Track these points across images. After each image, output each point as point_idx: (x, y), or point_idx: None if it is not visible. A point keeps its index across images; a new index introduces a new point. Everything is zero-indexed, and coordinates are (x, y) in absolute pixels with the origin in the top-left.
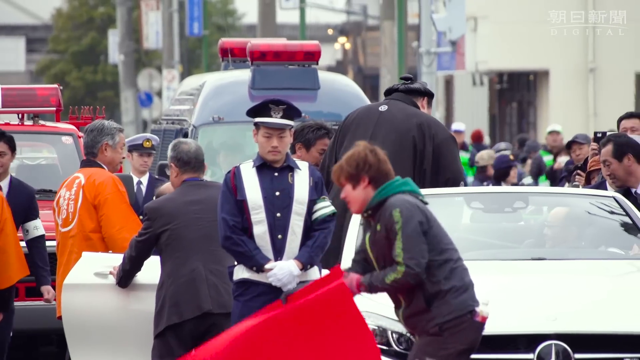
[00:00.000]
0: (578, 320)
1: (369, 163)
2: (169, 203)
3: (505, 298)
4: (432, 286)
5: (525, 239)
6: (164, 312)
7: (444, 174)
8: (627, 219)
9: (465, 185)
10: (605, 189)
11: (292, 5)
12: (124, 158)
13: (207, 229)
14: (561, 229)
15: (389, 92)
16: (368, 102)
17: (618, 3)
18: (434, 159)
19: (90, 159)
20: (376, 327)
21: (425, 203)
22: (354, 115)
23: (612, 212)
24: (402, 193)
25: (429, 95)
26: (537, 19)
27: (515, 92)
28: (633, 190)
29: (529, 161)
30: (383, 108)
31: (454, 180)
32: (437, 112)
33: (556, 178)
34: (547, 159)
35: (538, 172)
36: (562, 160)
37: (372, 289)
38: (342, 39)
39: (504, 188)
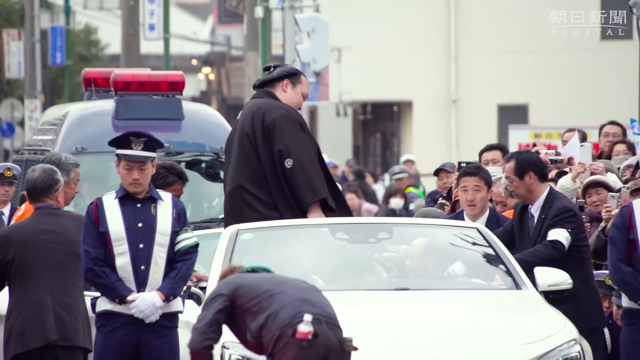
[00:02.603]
0: (440, 350)
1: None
2: (21, 231)
3: (368, 328)
4: (255, 322)
5: (390, 270)
6: (11, 343)
7: (275, 148)
8: (489, 250)
9: (292, 163)
10: (463, 219)
11: (156, 35)
12: (76, 193)
13: (59, 259)
14: (422, 259)
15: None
16: None
17: (480, 33)
18: (267, 141)
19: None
20: (240, 357)
21: (255, 271)
22: (228, 136)
23: (474, 244)
24: None
25: (288, 75)
26: (401, 50)
27: (379, 123)
28: (529, 207)
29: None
30: (239, 116)
31: (284, 152)
32: None
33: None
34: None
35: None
36: (397, 202)
37: None
38: (206, 70)
39: (368, 219)
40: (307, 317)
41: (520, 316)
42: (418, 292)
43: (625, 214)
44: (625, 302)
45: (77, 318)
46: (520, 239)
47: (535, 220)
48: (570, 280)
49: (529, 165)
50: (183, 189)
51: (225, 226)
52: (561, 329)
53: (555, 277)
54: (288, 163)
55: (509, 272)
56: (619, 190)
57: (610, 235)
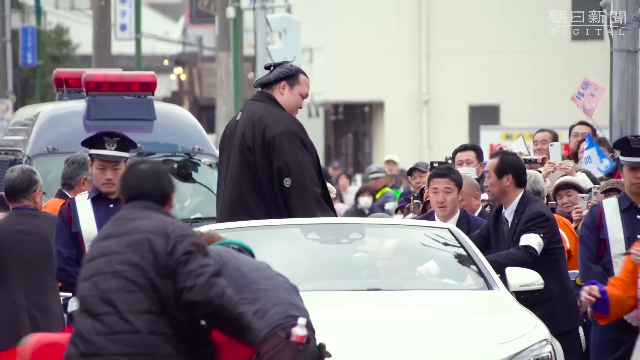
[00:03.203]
0: (412, 350)
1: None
2: None
3: (340, 328)
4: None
5: (362, 270)
6: None
7: (274, 165)
8: (461, 251)
9: (290, 183)
10: (434, 219)
11: (128, 35)
12: None
13: (34, 260)
14: (393, 261)
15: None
16: (204, 132)
17: (452, 33)
18: (266, 156)
19: (63, 191)
20: None
21: (240, 250)
22: (224, 132)
23: (446, 244)
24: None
25: (285, 77)
26: (373, 50)
27: (351, 123)
28: (503, 210)
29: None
30: (238, 117)
31: (284, 170)
32: None
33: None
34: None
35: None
36: (365, 200)
37: None
38: (178, 70)
39: (340, 219)
40: (302, 321)
41: (491, 316)
42: (390, 293)
43: (595, 214)
44: None
45: (51, 319)
46: (496, 242)
47: (509, 225)
48: (541, 281)
49: (510, 167)
50: None
51: None
52: (532, 329)
53: (526, 278)
54: (287, 182)
55: (480, 273)
56: (589, 191)
57: (580, 235)
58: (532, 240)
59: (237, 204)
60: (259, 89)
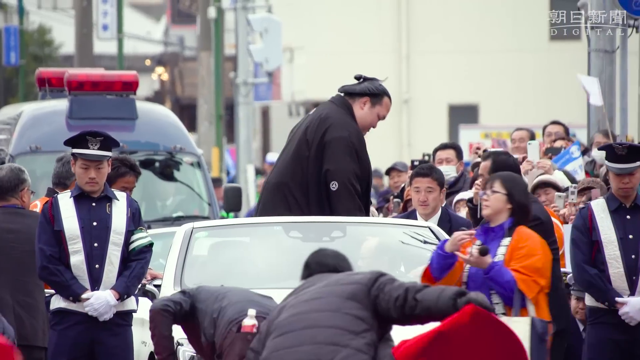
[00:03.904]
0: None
1: None
2: None
3: None
4: (206, 318)
5: None
6: None
7: (324, 166)
8: None
9: (337, 187)
10: (416, 218)
11: (110, 35)
12: None
13: (21, 258)
14: (374, 259)
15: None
16: (185, 131)
17: (431, 33)
18: (319, 155)
19: (56, 190)
20: (193, 354)
21: None
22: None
23: (426, 242)
24: None
25: (370, 94)
26: (353, 49)
27: None
28: None
29: None
30: (312, 112)
31: (332, 174)
32: (254, 142)
33: None
34: None
35: None
36: None
37: None
38: (160, 70)
39: (321, 218)
40: (251, 312)
41: None
42: None
43: (586, 216)
44: (589, 301)
45: (37, 318)
46: None
47: None
48: None
49: (504, 168)
50: (136, 183)
51: (256, 212)
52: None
53: None
54: (333, 185)
55: None
56: (566, 190)
57: (572, 237)
58: None
59: (279, 190)
60: (342, 94)
